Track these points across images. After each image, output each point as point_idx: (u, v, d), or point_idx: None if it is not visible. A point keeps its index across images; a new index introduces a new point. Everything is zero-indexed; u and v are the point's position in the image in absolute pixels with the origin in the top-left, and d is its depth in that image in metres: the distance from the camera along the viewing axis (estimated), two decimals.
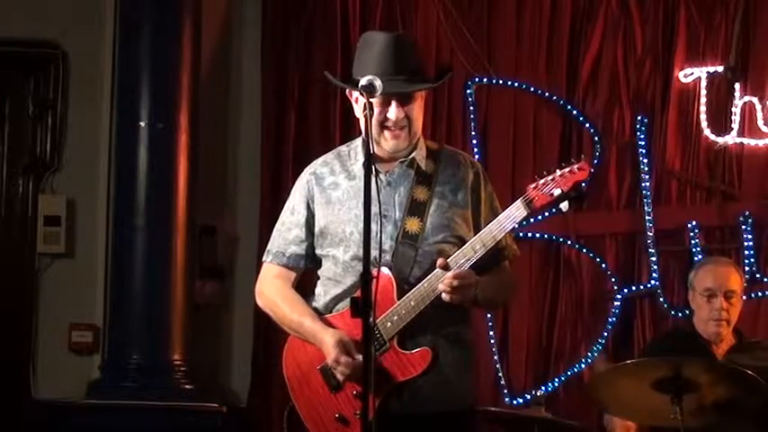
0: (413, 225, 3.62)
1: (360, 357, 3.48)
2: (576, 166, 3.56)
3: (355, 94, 3.67)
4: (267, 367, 5.95)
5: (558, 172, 3.56)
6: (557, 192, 3.54)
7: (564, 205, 3.56)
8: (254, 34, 6.35)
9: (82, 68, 6.31)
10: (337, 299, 3.68)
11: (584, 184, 3.59)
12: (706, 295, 4.80)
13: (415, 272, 3.58)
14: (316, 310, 3.70)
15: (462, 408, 3.67)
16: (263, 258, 3.83)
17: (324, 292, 3.72)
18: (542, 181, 3.57)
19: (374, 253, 3.28)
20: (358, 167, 3.70)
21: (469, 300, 3.57)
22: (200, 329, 6.01)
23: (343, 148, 3.83)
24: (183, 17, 5.93)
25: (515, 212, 3.56)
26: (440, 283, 3.52)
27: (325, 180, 3.74)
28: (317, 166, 3.80)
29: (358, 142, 3.75)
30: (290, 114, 6.23)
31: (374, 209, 3.28)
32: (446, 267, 3.52)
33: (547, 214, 5.89)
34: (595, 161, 6.13)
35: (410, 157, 3.69)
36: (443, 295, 3.51)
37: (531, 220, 6.01)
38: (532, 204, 3.55)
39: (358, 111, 3.70)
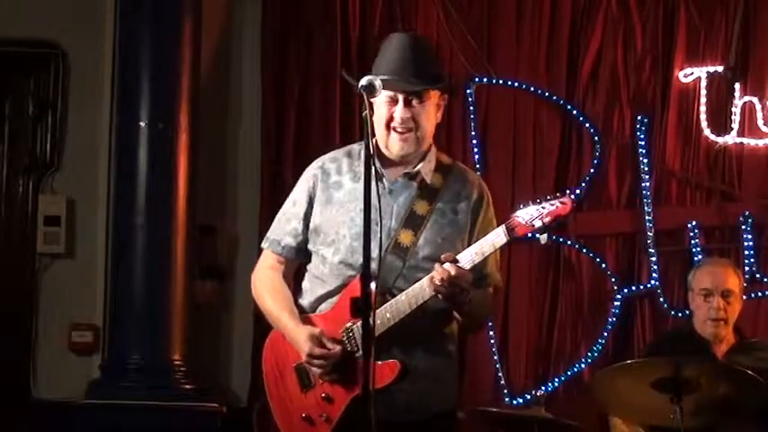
0: (406, 237, 3.61)
1: (335, 348, 3.51)
2: (558, 201, 3.54)
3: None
4: None
5: (543, 205, 3.54)
6: (537, 224, 3.53)
7: (543, 237, 3.57)
8: (254, 34, 6.35)
9: (82, 68, 6.31)
10: (321, 299, 3.68)
11: (564, 217, 3.58)
12: (703, 295, 4.82)
13: (399, 284, 3.57)
14: (301, 306, 3.71)
15: (437, 414, 3.65)
16: (262, 244, 3.84)
17: (310, 290, 3.73)
18: (527, 211, 3.54)
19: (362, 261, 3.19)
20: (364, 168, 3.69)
21: (458, 302, 3.54)
22: (200, 329, 6.01)
23: (354, 146, 3.80)
24: (183, 17, 5.93)
25: (496, 239, 3.53)
26: (434, 272, 3.47)
27: (330, 177, 3.73)
28: (325, 160, 3.78)
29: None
30: (290, 114, 6.23)
31: (372, 215, 3.23)
32: (454, 261, 3.49)
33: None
34: (595, 161, 6.14)
35: (416, 169, 3.66)
36: (429, 289, 3.47)
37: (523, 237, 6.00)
38: (514, 232, 3.52)
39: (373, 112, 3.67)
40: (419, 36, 3.74)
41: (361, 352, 3.50)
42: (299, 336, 3.58)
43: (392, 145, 3.62)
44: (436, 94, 3.67)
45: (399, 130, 3.60)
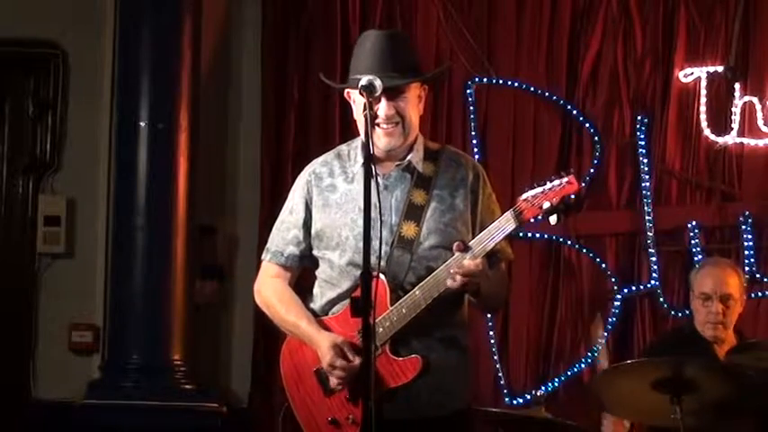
0: (409, 230, 3.60)
1: (356, 360, 3.49)
2: (564, 180, 3.55)
3: (353, 94, 3.64)
4: (267, 367, 5.95)
5: (548, 185, 3.55)
6: (545, 204, 3.53)
7: (552, 218, 3.57)
8: (254, 34, 6.36)
9: (82, 68, 6.31)
10: (333, 302, 3.66)
11: (572, 197, 3.57)
12: (702, 299, 4.81)
13: (410, 278, 3.56)
14: (312, 311, 3.70)
15: (457, 411, 3.65)
16: (262, 256, 3.82)
17: (320, 294, 3.71)
18: (532, 193, 3.56)
19: (372, 259, 3.21)
20: (357, 169, 3.67)
21: (473, 289, 3.53)
22: (200, 329, 6.01)
23: (343, 147, 3.79)
24: (183, 17, 5.93)
25: (505, 224, 3.54)
26: (451, 269, 3.48)
27: (323, 181, 3.72)
28: (316, 165, 3.77)
29: (358, 142, 3.71)
30: (290, 114, 6.23)
31: (372, 213, 3.24)
32: (466, 249, 3.49)
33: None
34: (595, 161, 6.14)
35: (406, 160, 3.66)
36: (449, 281, 3.47)
37: (531, 220, 6.01)
38: (522, 216, 3.54)
39: (356, 112, 3.66)
40: (393, 31, 3.73)
41: (379, 350, 3.50)
42: (322, 343, 3.57)
43: (378, 140, 3.59)
44: (417, 85, 3.66)
45: (384, 126, 3.59)
